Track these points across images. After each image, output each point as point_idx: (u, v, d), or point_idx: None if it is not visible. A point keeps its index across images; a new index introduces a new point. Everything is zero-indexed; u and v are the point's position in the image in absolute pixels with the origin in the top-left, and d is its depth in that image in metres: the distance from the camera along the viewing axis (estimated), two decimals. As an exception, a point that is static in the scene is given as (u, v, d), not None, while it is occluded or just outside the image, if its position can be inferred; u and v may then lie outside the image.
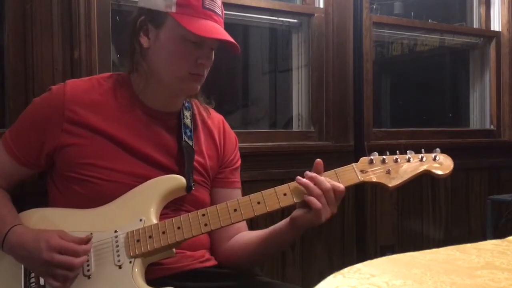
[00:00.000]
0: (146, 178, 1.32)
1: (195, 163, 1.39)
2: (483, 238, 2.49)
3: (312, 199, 1.24)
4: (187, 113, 1.43)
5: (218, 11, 1.34)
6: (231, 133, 1.54)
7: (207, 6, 1.31)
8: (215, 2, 1.33)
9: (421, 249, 1.04)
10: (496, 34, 2.93)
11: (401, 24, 2.75)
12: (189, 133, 1.40)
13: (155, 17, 1.32)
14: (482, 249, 1.05)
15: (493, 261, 0.97)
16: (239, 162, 1.53)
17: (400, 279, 0.85)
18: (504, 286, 0.83)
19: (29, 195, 1.48)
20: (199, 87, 1.38)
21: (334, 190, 1.26)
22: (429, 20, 2.92)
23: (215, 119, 1.51)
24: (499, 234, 2.53)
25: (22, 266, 1.27)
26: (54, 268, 1.19)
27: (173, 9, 1.29)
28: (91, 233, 1.26)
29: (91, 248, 1.24)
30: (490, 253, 1.03)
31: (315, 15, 2.33)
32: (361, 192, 2.16)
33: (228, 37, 1.31)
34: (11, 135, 1.37)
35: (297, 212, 1.29)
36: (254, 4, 2.20)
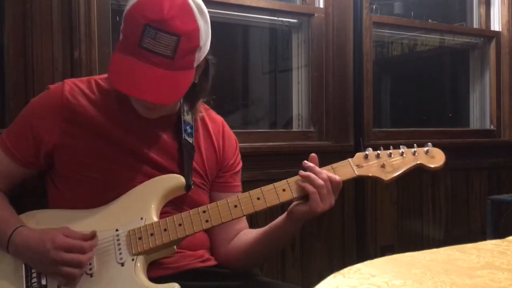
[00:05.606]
0: (145, 178, 1.32)
1: (194, 164, 1.39)
2: (483, 238, 2.49)
3: (308, 186, 1.26)
4: (186, 110, 1.42)
5: (163, 51, 1.16)
6: (231, 136, 1.51)
7: (144, 46, 1.16)
8: (160, 42, 1.16)
9: (421, 249, 1.04)
10: (496, 34, 2.93)
11: (401, 24, 2.75)
12: (189, 130, 1.39)
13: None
14: (482, 249, 1.05)
15: (493, 261, 0.97)
16: (240, 165, 1.51)
17: (400, 279, 0.85)
18: (504, 286, 0.83)
19: (28, 195, 1.47)
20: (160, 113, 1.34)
21: (331, 181, 1.28)
22: (429, 20, 2.92)
23: (215, 120, 1.49)
24: (499, 234, 2.53)
25: (24, 266, 1.26)
26: (62, 266, 1.19)
27: (121, 37, 1.24)
28: (92, 233, 1.26)
29: (97, 244, 1.24)
30: (490, 253, 1.03)
31: (315, 15, 2.33)
32: (361, 192, 2.16)
33: (149, 95, 1.19)
34: (8, 136, 1.35)
35: (294, 204, 1.31)
36: (254, 4, 2.20)
